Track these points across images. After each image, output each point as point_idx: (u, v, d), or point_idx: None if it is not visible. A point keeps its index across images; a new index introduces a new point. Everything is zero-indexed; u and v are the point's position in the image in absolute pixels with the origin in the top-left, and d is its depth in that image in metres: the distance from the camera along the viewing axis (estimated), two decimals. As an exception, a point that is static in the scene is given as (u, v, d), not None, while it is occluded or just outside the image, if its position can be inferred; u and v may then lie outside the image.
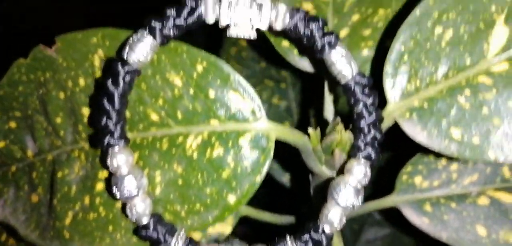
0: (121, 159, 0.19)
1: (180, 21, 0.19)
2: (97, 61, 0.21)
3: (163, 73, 0.20)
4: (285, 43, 0.24)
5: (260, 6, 0.19)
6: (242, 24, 0.19)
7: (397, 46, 0.20)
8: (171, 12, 0.19)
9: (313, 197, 0.25)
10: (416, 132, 0.19)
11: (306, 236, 0.19)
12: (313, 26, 0.19)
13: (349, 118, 0.21)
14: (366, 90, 0.19)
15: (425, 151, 0.21)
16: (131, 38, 0.19)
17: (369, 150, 0.19)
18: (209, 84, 0.20)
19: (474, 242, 0.23)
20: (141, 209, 0.19)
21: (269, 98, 0.38)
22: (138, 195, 0.19)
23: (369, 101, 0.19)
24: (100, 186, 0.21)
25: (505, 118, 0.19)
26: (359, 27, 0.24)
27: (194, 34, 0.21)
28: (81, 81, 0.22)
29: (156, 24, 0.19)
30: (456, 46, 0.19)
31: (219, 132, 0.20)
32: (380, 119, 0.19)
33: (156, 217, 0.20)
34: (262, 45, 0.31)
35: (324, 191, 0.20)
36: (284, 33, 0.20)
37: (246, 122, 0.20)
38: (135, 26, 0.21)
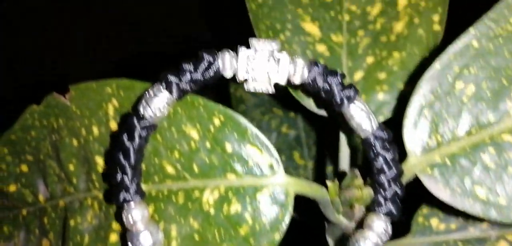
0: (136, 215, 0.19)
1: (197, 76, 0.19)
2: (111, 110, 0.21)
3: (179, 125, 0.20)
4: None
5: (278, 61, 0.18)
6: (260, 78, 0.19)
7: (417, 99, 0.19)
8: (188, 66, 0.19)
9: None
10: (438, 189, 0.19)
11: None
12: (332, 80, 0.19)
13: (364, 163, 0.20)
14: (386, 144, 0.19)
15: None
16: (147, 93, 0.19)
17: (390, 205, 0.19)
18: (226, 137, 0.20)
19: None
20: (157, 264, 0.19)
21: (278, 127, 0.38)
22: (154, 251, 0.19)
23: (389, 156, 0.19)
24: (113, 237, 0.21)
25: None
26: (374, 70, 0.24)
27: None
28: (95, 130, 0.21)
29: (173, 79, 0.18)
30: (478, 101, 0.19)
31: (237, 187, 0.20)
32: (400, 173, 0.19)
33: (172, 273, 0.20)
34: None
35: (342, 242, 0.19)
36: (301, 86, 0.19)
37: (264, 177, 0.19)
38: (148, 76, 0.21)
